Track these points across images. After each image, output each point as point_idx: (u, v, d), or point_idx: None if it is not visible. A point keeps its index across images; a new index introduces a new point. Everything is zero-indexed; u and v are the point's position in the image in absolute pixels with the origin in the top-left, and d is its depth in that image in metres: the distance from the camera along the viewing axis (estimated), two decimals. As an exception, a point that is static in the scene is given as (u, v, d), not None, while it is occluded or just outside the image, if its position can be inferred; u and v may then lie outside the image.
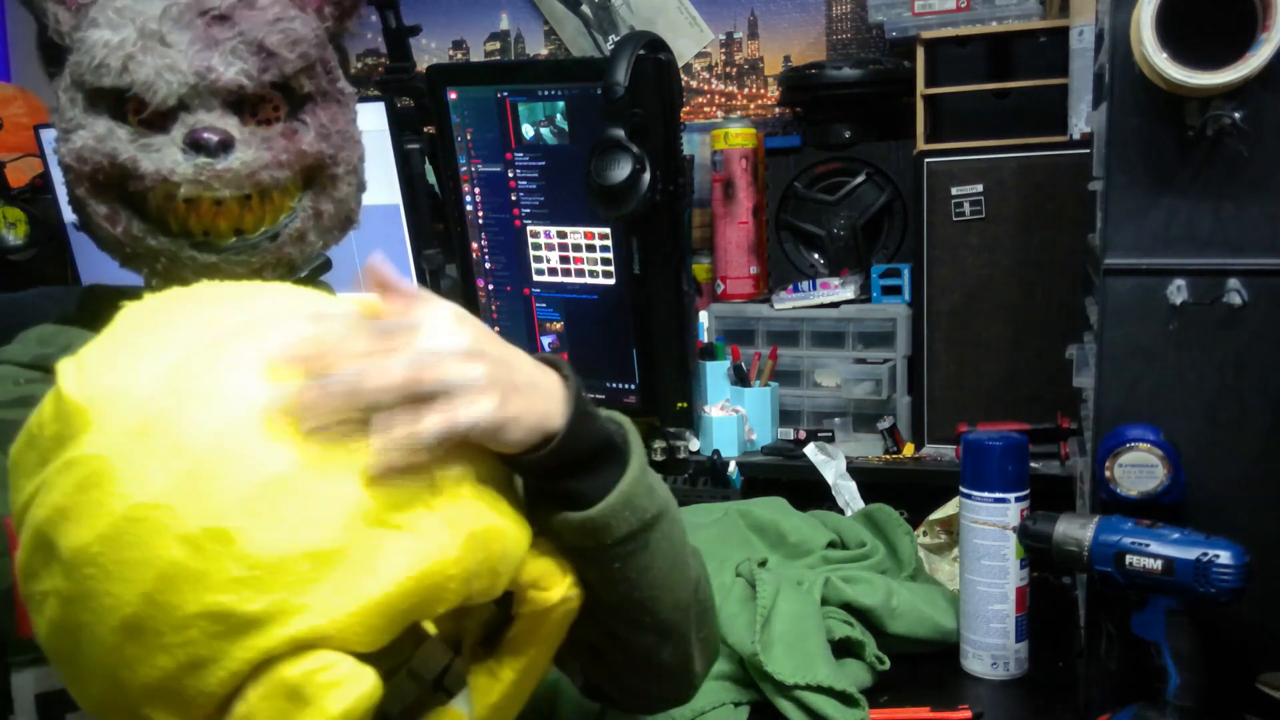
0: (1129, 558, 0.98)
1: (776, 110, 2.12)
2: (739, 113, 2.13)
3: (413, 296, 0.63)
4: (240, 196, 0.84)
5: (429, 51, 2.34)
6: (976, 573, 1.21)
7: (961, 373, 1.67)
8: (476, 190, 1.75)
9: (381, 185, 1.63)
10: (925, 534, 1.48)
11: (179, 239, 0.85)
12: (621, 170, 1.47)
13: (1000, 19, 1.71)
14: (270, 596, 0.54)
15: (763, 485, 1.64)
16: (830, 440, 1.72)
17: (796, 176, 1.87)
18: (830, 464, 1.65)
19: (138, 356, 0.59)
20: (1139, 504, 1.03)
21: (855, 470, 1.65)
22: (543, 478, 0.67)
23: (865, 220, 1.84)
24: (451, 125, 1.73)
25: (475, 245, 1.78)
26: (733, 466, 1.67)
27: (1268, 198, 1.00)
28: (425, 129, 1.79)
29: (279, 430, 0.56)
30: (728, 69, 2.15)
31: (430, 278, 1.70)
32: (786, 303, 1.80)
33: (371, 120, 1.60)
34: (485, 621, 0.69)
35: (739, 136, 1.88)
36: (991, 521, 1.19)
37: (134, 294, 0.69)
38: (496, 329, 0.66)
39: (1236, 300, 1.00)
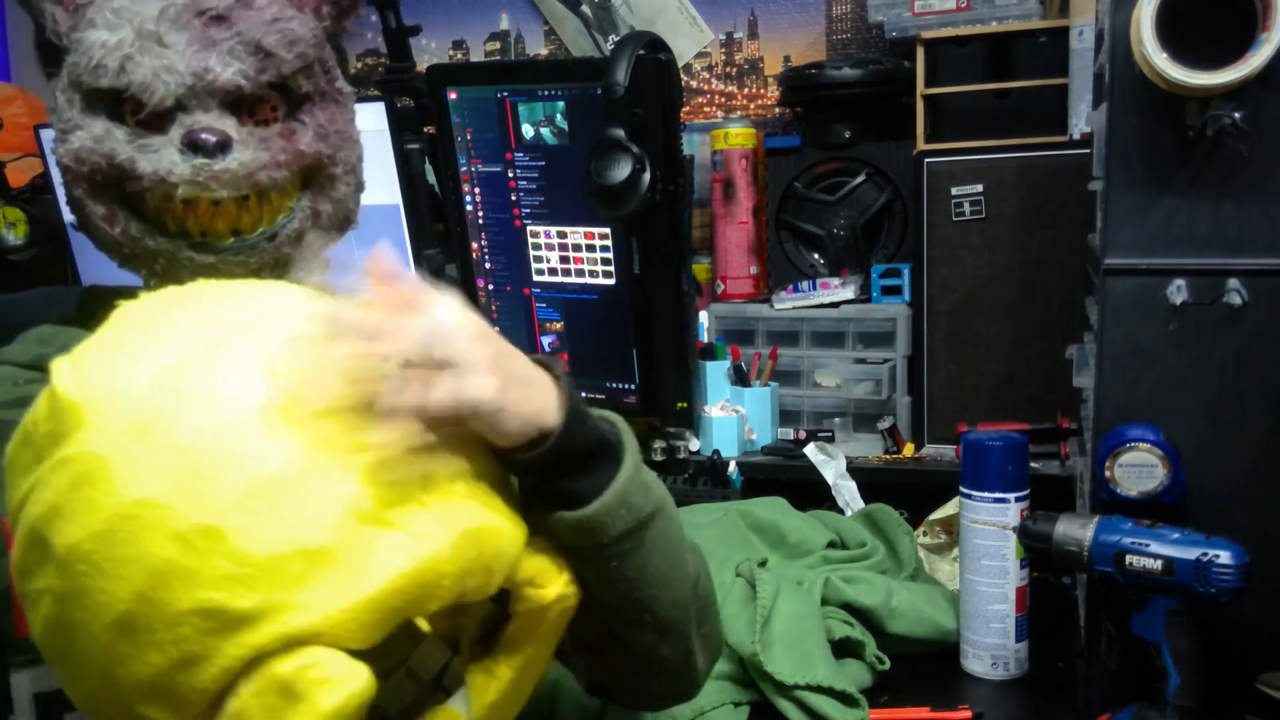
0: (1129, 558, 0.98)
1: (776, 110, 2.12)
2: (739, 113, 2.13)
3: (416, 286, 0.63)
4: (238, 197, 0.84)
5: (429, 51, 2.34)
6: (976, 573, 1.20)
7: (961, 373, 1.67)
8: (476, 190, 1.75)
9: (381, 185, 1.63)
10: (925, 534, 1.48)
11: (177, 240, 0.85)
12: (621, 170, 1.47)
13: (1000, 19, 1.71)
14: (262, 594, 0.54)
15: (763, 485, 1.64)
16: (830, 440, 1.71)
17: (796, 176, 1.87)
18: (830, 464, 1.65)
19: (131, 355, 0.59)
20: (1139, 504, 1.02)
21: (855, 470, 1.65)
22: (538, 477, 0.67)
23: (865, 220, 1.83)
24: (451, 125, 1.73)
25: (475, 245, 1.78)
26: (733, 466, 1.67)
27: (1268, 198, 1.00)
28: (425, 129, 1.79)
29: (272, 429, 0.57)
30: (728, 69, 2.15)
31: (430, 278, 1.70)
32: (786, 303, 1.80)
33: (371, 120, 1.60)
34: (483, 620, 0.69)
35: (739, 136, 1.88)
36: (991, 521, 1.19)
37: (133, 294, 0.69)
38: (496, 329, 0.66)
39: (1236, 300, 1.00)
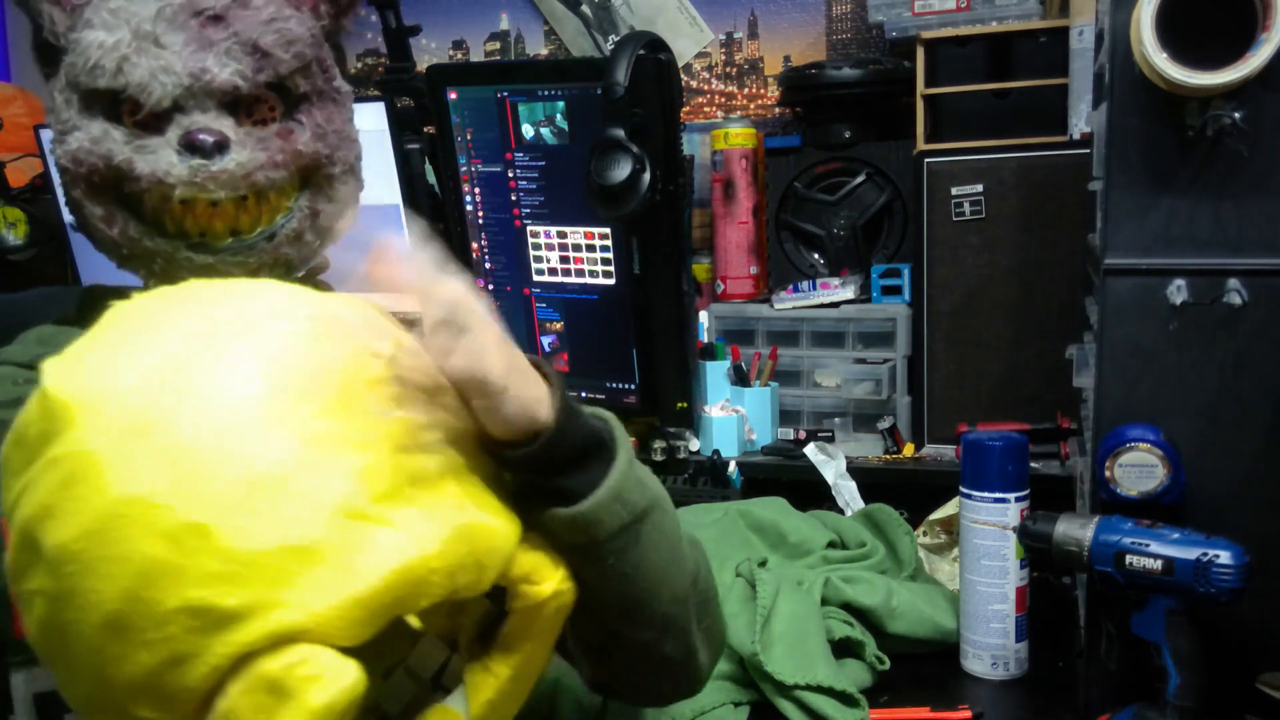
0: (1129, 558, 0.98)
1: (776, 110, 2.12)
2: (739, 113, 2.13)
3: (435, 261, 0.64)
4: (236, 197, 0.84)
5: (429, 51, 2.34)
6: (976, 573, 1.20)
7: (961, 373, 1.66)
8: (476, 190, 1.75)
9: (381, 185, 1.63)
10: (925, 534, 1.48)
11: (175, 240, 0.85)
12: (621, 170, 1.47)
13: (1000, 19, 1.71)
14: (249, 592, 0.54)
15: (763, 485, 1.64)
16: (830, 440, 1.71)
17: (796, 176, 1.87)
18: (830, 464, 1.64)
19: (122, 354, 0.59)
20: (1139, 504, 1.02)
21: (855, 470, 1.65)
22: (532, 474, 0.67)
23: (865, 220, 1.83)
24: (451, 125, 1.73)
25: (475, 245, 1.78)
26: (733, 466, 1.67)
27: (1268, 198, 1.00)
28: (425, 129, 1.79)
29: (262, 427, 0.56)
30: (728, 69, 2.15)
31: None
32: (786, 303, 1.80)
33: (371, 120, 1.60)
34: (480, 618, 0.69)
35: (739, 136, 1.88)
36: (991, 521, 1.19)
37: (132, 295, 0.68)
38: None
39: (1236, 300, 1.00)
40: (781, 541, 1.41)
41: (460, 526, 0.60)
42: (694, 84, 2.16)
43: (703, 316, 1.86)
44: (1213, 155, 1.00)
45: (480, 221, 1.76)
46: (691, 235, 2.02)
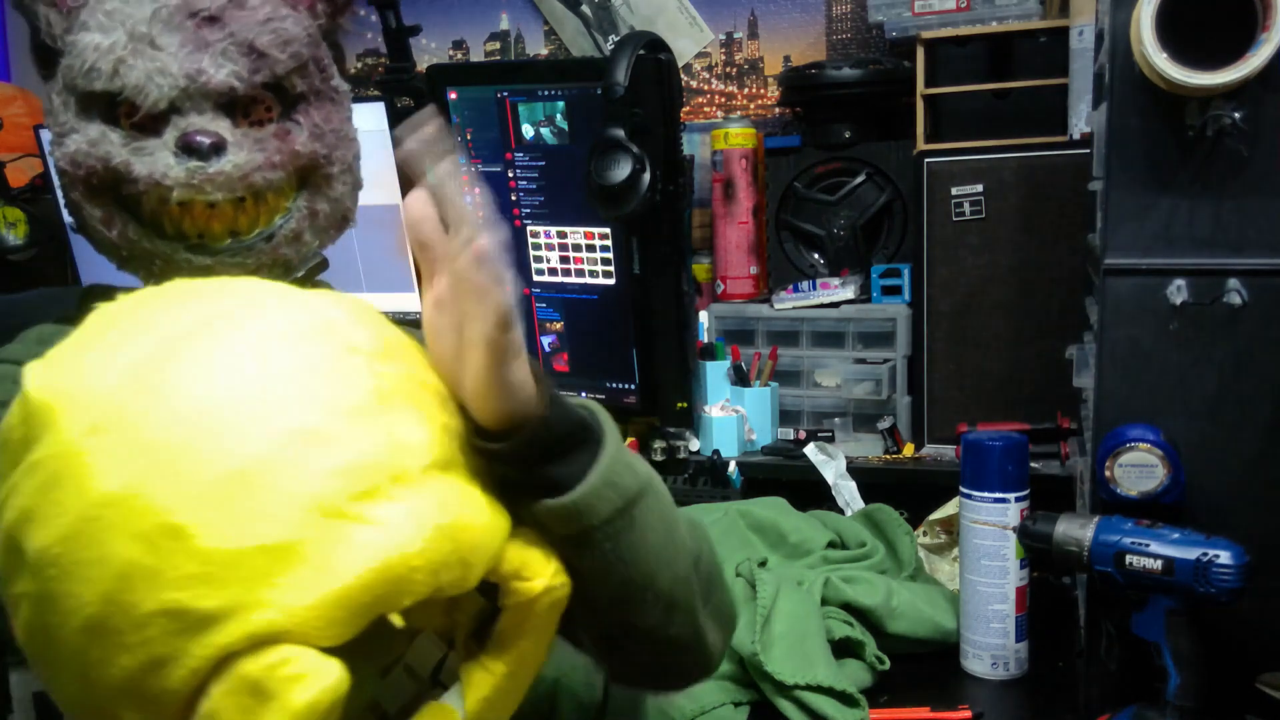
0: (1129, 558, 0.98)
1: (776, 110, 2.12)
2: (739, 113, 2.13)
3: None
4: (234, 199, 0.84)
5: (429, 51, 2.34)
6: (976, 573, 1.20)
7: (961, 373, 1.66)
8: (476, 190, 1.75)
9: (381, 185, 1.63)
10: (925, 534, 1.47)
11: (174, 242, 0.85)
12: (621, 170, 1.47)
13: (1000, 19, 1.70)
14: (226, 593, 0.54)
15: (763, 485, 1.64)
16: (830, 440, 1.71)
17: (796, 176, 1.87)
18: (830, 464, 1.64)
19: (102, 354, 0.59)
20: (1139, 504, 1.02)
21: (855, 470, 1.65)
22: (520, 467, 0.66)
23: (865, 220, 1.83)
24: (451, 125, 1.73)
25: (475, 245, 1.78)
26: (733, 466, 1.67)
27: (1268, 198, 1.00)
28: (425, 129, 1.79)
29: (239, 424, 0.56)
30: (728, 69, 2.15)
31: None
32: (786, 303, 1.80)
33: (371, 120, 1.60)
34: (475, 615, 0.69)
35: (739, 136, 1.88)
36: (991, 521, 1.19)
37: (131, 295, 0.68)
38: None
39: (1236, 300, 1.00)
40: (781, 541, 1.41)
41: (443, 524, 0.59)
42: (694, 84, 2.16)
43: (703, 316, 1.86)
44: (1213, 155, 1.00)
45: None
46: (691, 235, 2.02)
